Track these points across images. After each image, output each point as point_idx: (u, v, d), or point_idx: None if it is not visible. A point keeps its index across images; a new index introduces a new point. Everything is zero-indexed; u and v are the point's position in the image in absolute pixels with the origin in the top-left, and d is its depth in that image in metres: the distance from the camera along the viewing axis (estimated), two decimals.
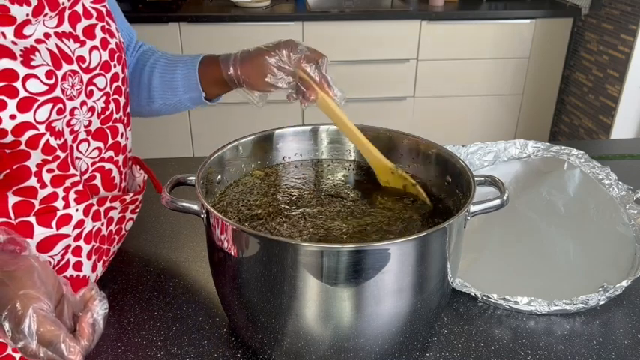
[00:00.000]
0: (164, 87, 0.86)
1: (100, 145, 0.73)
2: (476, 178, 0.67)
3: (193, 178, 0.67)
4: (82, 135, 0.70)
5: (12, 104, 0.58)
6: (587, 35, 2.73)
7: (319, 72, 0.77)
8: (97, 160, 0.74)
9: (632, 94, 2.48)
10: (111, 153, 0.75)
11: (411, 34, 2.70)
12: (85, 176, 0.72)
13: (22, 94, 0.58)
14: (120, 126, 0.76)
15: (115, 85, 0.73)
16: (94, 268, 0.75)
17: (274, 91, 0.81)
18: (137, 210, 0.83)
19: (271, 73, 0.78)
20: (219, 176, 0.74)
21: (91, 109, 0.69)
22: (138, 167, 0.87)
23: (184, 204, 0.65)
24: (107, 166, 0.75)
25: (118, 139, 0.76)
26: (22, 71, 0.58)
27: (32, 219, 0.65)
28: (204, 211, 0.63)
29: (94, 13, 0.70)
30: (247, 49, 0.82)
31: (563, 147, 1.13)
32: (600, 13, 2.62)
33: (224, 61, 0.82)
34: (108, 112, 0.73)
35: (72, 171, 0.67)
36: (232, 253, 0.60)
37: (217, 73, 0.83)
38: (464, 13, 2.72)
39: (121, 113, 0.76)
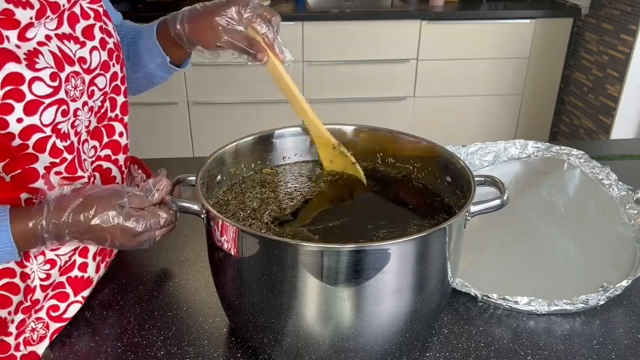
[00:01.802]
0: (130, 60, 0.83)
1: (96, 143, 0.73)
2: (476, 178, 0.67)
3: (193, 178, 0.67)
4: (84, 135, 0.70)
5: (18, 108, 0.58)
6: (587, 35, 2.73)
7: (273, 33, 0.72)
8: (94, 159, 0.74)
9: (632, 94, 2.48)
10: (107, 151, 0.75)
11: (411, 34, 2.70)
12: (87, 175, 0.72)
13: (28, 97, 0.58)
14: (117, 125, 0.76)
15: (113, 84, 0.73)
16: (97, 269, 0.75)
17: (223, 52, 0.76)
18: None
19: (219, 35, 0.72)
20: (219, 176, 0.74)
21: (91, 109, 0.70)
22: (136, 167, 0.87)
23: (184, 204, 0.65)
24: (105, 164, 0.75)
25: (116, 137, 0.76)
26: (28, 74, 0.58)
27: None
28: (204, 211, 0.63)
29: (92, 14, 0.70)
30: (196, 5, 0.75)
31: (563, 147, 1.13)
32: (600, 13, 2.62)
33: (172, 19, 0.77)
34: (103, 111, 0.73)
35: (79, 173, 0.67)
36: (232, 253, 0.60)
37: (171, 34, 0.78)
38: (464, 13, 2.72)
39: (117, 112, 0.76)
